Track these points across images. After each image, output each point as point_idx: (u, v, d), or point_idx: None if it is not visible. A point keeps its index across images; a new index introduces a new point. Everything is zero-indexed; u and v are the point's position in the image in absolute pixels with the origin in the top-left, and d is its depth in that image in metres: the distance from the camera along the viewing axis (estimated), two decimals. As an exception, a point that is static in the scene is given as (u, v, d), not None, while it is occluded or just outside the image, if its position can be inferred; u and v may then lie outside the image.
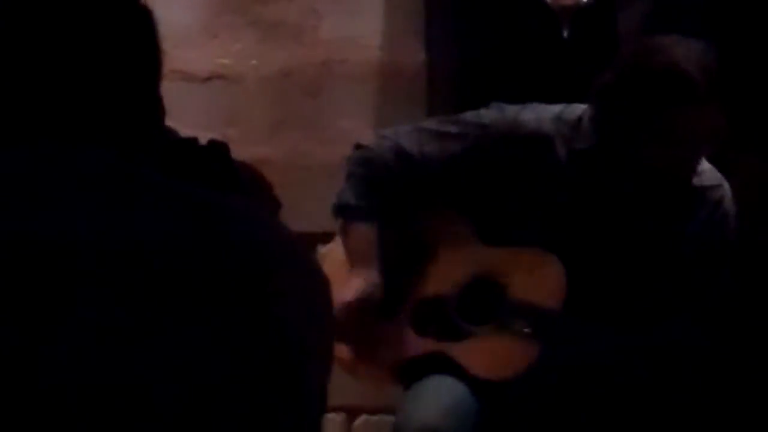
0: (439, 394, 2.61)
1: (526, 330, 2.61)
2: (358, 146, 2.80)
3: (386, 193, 2.72)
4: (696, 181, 2.66)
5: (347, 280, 2.69)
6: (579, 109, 2.67)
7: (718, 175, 2.69)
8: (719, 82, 2.53)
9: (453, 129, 2.70)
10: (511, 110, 2.69)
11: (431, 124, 2.79)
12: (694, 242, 2.65)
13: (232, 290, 1.20)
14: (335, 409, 3.62)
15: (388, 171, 2.71)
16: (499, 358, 2.63)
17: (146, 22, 1.31)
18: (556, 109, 2.69)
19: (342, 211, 2.76)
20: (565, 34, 3.80)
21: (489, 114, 2.70)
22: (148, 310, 1.17)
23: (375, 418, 3.71)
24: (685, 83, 2.47)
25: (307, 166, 3.71)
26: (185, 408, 1.16)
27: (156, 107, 1.32)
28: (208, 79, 3.84)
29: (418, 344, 2.70)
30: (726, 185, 2.70)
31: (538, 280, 2.63)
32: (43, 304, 1.15)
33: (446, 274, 2.70)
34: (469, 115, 2.72)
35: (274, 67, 3.80)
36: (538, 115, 2.67)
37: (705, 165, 2.68)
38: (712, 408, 2.51)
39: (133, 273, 1.18)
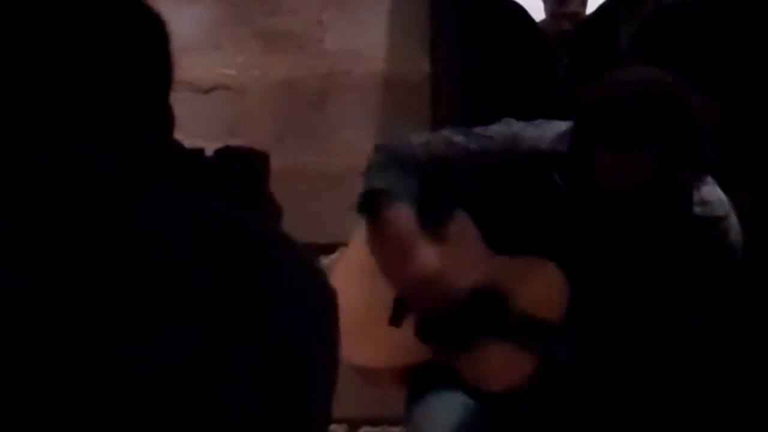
0: (449, 408, 2.61)
1: (527, 343, 2.61)
2: (377, 148, 2.80)
3: (413, 180, 2.69)
4: (700, 210, 2.64)
5: (402, 262, 2.64)
6: None
7: (726, 206, 2.66)
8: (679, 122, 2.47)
9: (460, 139, 2.70)
10: (517, 126, 2.69)
11: (443, 132, 2.78)
12: (695, 270, 2.63)
13: (237, 301, 1.20)
14: (337, 421, 3.62)
15: (413, 158, 2.70)
16: (500, 370, 2.63)
17: (160, 32, 1.31)
18: (563, 126, 2.67)
19: (375, 197, 2.68)
20: (556, 59, 3.85)
21: (496, 128, 2.71)
22: (151, 319, 1.17)
23: (377, 429, 3.70)
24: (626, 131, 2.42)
25: (311, 177, 3.71)
26: (189, 418, 1.15)
27: (166, 117, 1.32)
28: (212, 89, 3.84)
29: (420, 352, 2.70)
30: (733, 217, 2.67)
31: (541, 292, 2.63)
32: (43, 314, 1.15)
33: (452, 281, 2.70)
34: (479, 129, 2.73)
35: (278, 78, 3.81)
36: (541, 133, 2.66)
37: (714, 196, 2.66)
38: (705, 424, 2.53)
39: (135, 282, 1.18)
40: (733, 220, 2.66)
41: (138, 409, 1.14)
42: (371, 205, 2.69)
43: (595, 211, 2.62)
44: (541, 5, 4.06)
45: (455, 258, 2.70)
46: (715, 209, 2.65)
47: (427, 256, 2.65)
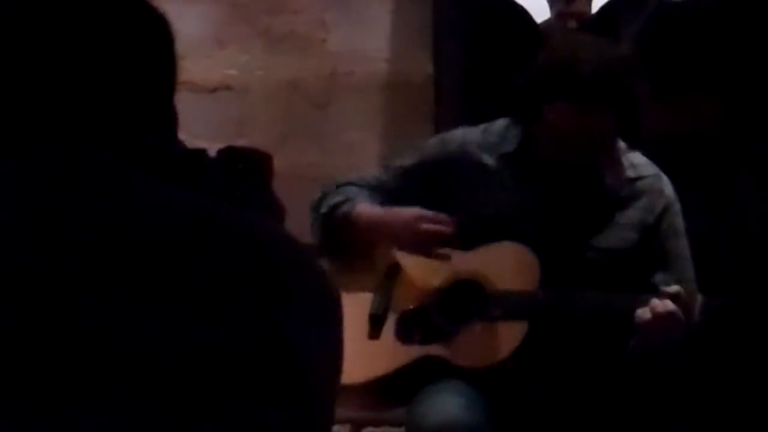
0: (450, 391, 2.64)
1: (512, 314, 2.66)
2: (321, 188, 2.90)
3: (367, 190, 2.84)
4: (631, 173, 2.77)
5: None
6: (504, 120, 2.82)
7: (654, 166, 2.80)
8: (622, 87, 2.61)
9: (397, 160, 2.89)
10: (443, 133, 2.91)
11: (385, 164, 2.98)
12: (638, 228, 2.75)
13: (239, 302, 1.20)
14: (340, 421, 3.62)
15: (354, 185, 2.84)
16: (486, 346, 2.68)
17: (164, 32, 1.31)
18: (485, 125, 2.85)
19: (336, 210, 2.80)
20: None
21: (426, 141, 2.94)
22: (149, 318, 1.17)
23: (379, 430, 3.71)
24: (580, 85, 2.58)
25: (314, 178, 3.71)
26: (189, 415, 1.15)
27: (170, 117, 1.32)
28: (216, 89, 3.85)
29: (406, 353, 2.73)
30: (663, 175, 2.80)
31: (512, 269, 2.72)
32: (42, 314, 1.15)
33: (423, 286, 2.74)
34: (411, 147, 2.95)
35: (281, 79, 3.81)
36: (467, 132, 2.85)
37: (641, 159, 2.80)
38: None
39: (133, 281, 1.17)
40: (664, 176, 2.81)
41: (140, 407, 1.14)
42: (337, 218, 2.79)
43: (530, 185, 2.75)
44: (545, 4, 4.06)
45: (420, 268, 2.77)
46: (647, 169, 2.81)
47: (410, 208, 2.76)
